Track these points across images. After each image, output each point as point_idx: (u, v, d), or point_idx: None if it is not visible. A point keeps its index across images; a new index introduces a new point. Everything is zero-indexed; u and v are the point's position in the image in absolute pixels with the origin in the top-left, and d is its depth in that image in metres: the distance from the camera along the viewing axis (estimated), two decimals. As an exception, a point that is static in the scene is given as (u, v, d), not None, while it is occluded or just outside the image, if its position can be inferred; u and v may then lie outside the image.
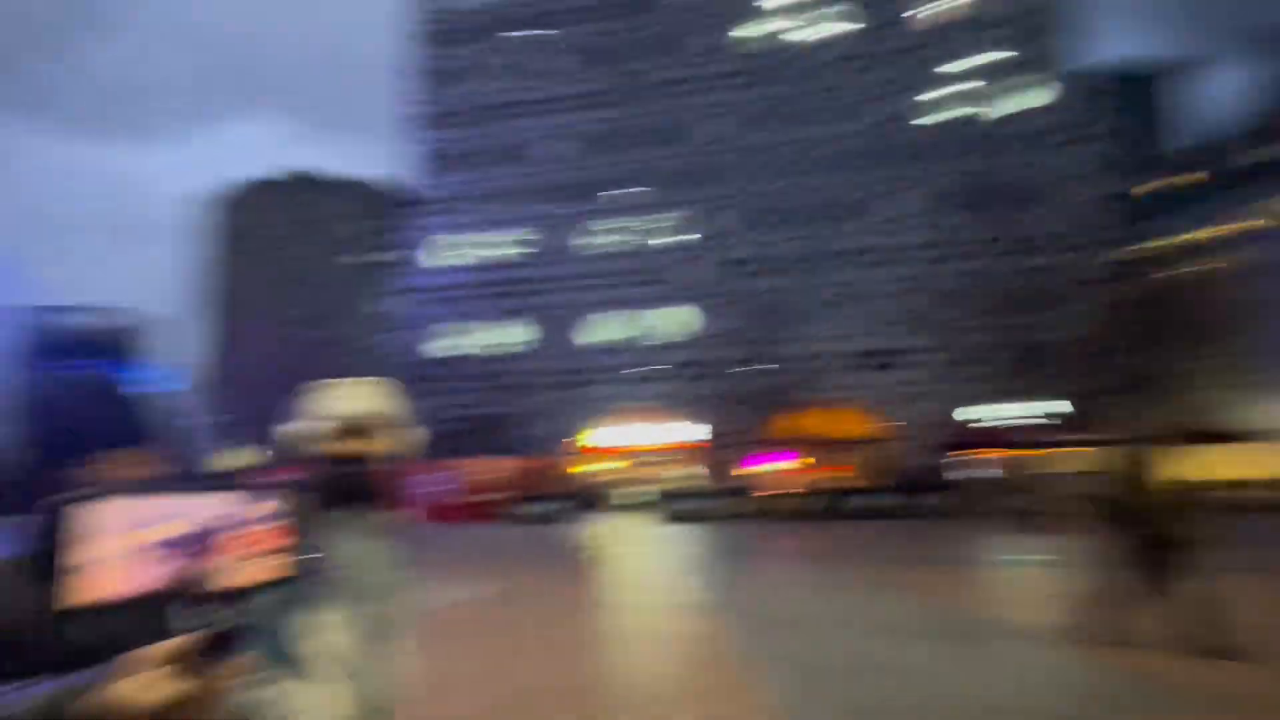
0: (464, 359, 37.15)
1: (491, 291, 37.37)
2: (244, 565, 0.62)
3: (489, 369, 35.42)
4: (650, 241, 35.88)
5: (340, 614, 1.59)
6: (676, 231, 35.70)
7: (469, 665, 5.78)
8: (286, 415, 1.70)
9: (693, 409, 33.08)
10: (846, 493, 22.83)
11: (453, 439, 35.91)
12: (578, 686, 5.26)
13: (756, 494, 24.09)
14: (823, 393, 31.37)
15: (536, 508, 24.44)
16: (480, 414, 35.39)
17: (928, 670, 5.42)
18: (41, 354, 58.44)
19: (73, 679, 0.63)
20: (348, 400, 1.70)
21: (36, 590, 0.76)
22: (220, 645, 0.62)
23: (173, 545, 0.59)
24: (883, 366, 32.11)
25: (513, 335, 36.96)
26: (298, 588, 1.29)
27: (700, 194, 35.16)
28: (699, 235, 35.08)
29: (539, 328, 36.52)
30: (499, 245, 38.04)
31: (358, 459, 1.64)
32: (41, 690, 0.64)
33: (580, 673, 5.65)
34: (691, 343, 34.33)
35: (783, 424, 31.61)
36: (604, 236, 36.46)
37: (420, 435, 1.79)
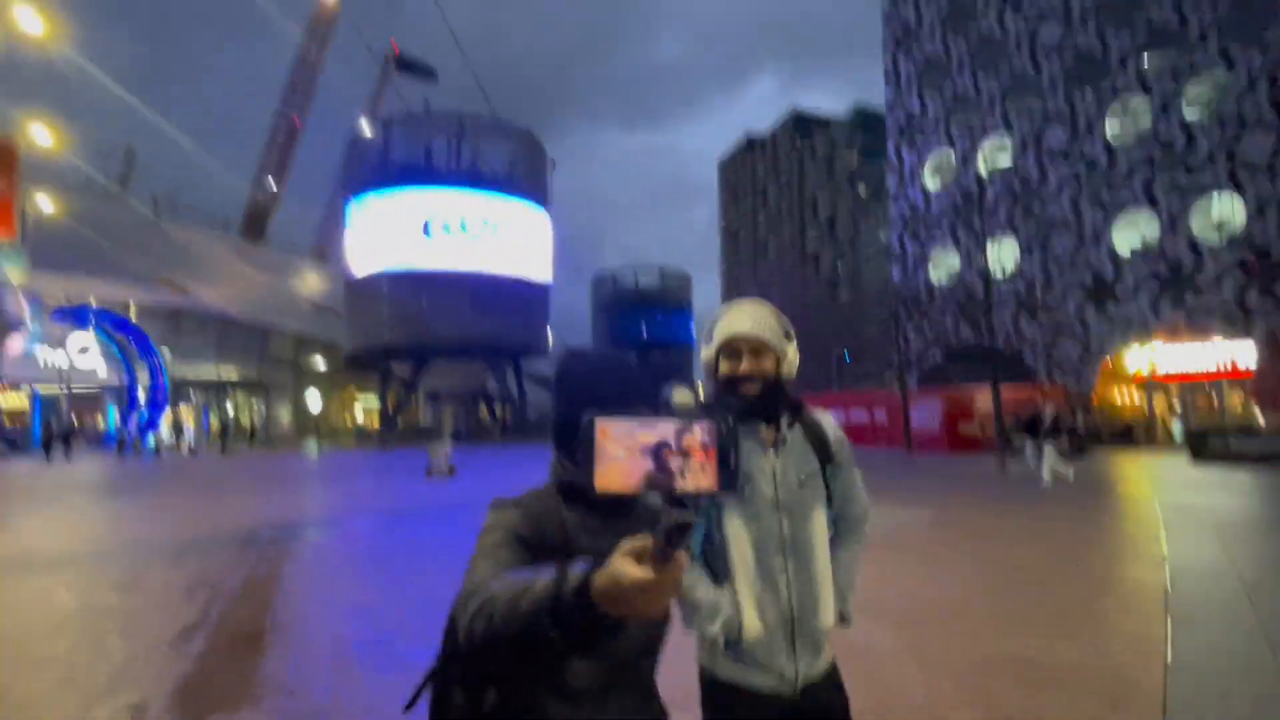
0: (958, 282, 35.23)
1: (986, 207, 34.53)
2: (689, 474, 0.81)
3: (984, 291, 33.05)
4: (1182, 119, 28.57)
5: (742, 526, 1.67)
6: (1215, 102, 27.70)
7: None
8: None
9: (1242, 325, 25.99)
10: None
11: (942, 367, 34.96)
12: (950, 608, 5.43)
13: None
14: None
15: (1029, 440, 22.64)
16: (972, 340, 33.65)
17: None
18: (615, 308, 75.08)
19: (580, 561, 0.91)
20: (727, 323, 1.74)
21: (566, 504, 1.23)
22: (674, 539, 0.80)
23: (647, 452, 0.81)
24: None
25: (1010, 252, 33.67)
26: (719, 499, 1.69)
27: (1250, 46, 26.61)
28: (1248, 100, 26.69)
29: (1039, 241, 32.48)
30: (991, 154, 34.66)
31: (740, 378, 1.70)
32: (552, 570, 0.92)
33: (950, 599, 5.75)
34: (1244, 240, 26.66)
35: None
36: (1114, 123, 30.41)
37: (796, 355, 1.78)
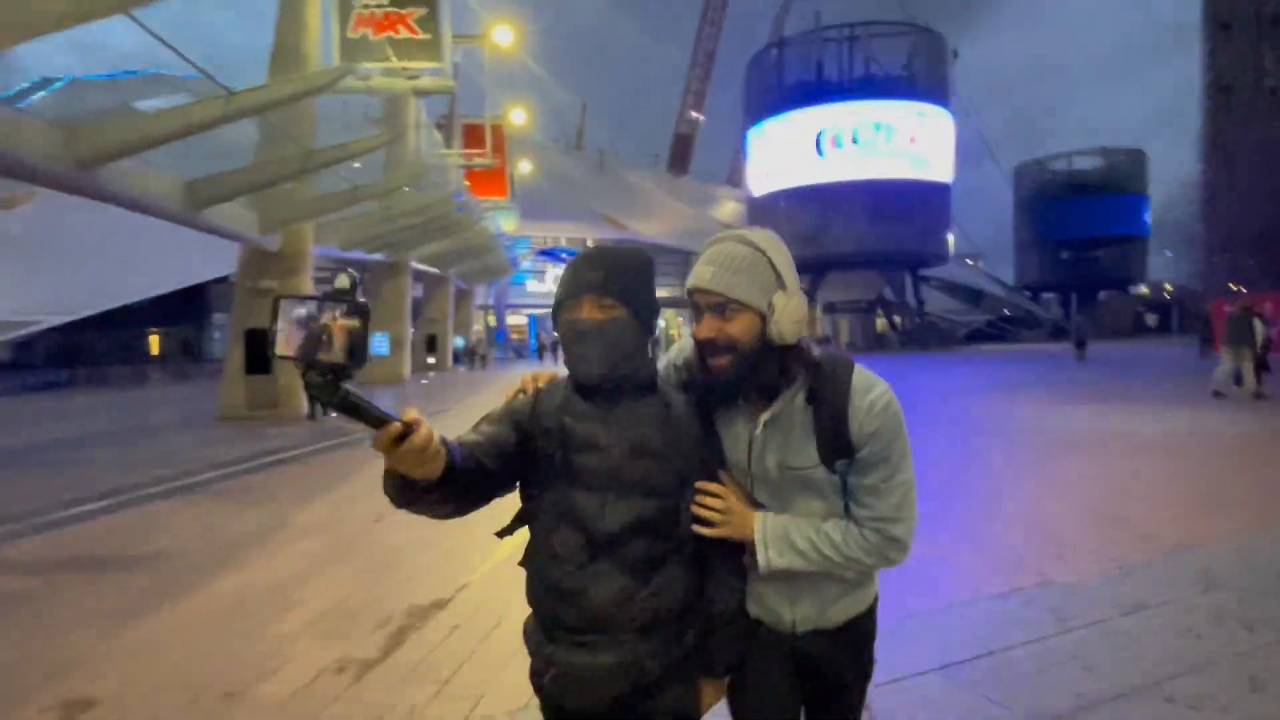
0: None
1: None
2: (327, 349, 1.00)
3: None
4: None
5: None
6: None
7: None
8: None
9: None
10: None
11: None
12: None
13: None
14: None
15: None
16: None
17: None
18: (1043, 200, 67.48)
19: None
20: (700, 268, 1.37)
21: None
22: (321, 401, 1.02)
23: (301, 326, 1.01)
24: None
25: None
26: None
27: None
28: None
29: None
30: None
31: (705, 345, 1.36)
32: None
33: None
34: None
35: None
36: None
37: (796, 304, 1.33)
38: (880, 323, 46.79)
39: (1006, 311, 60.51)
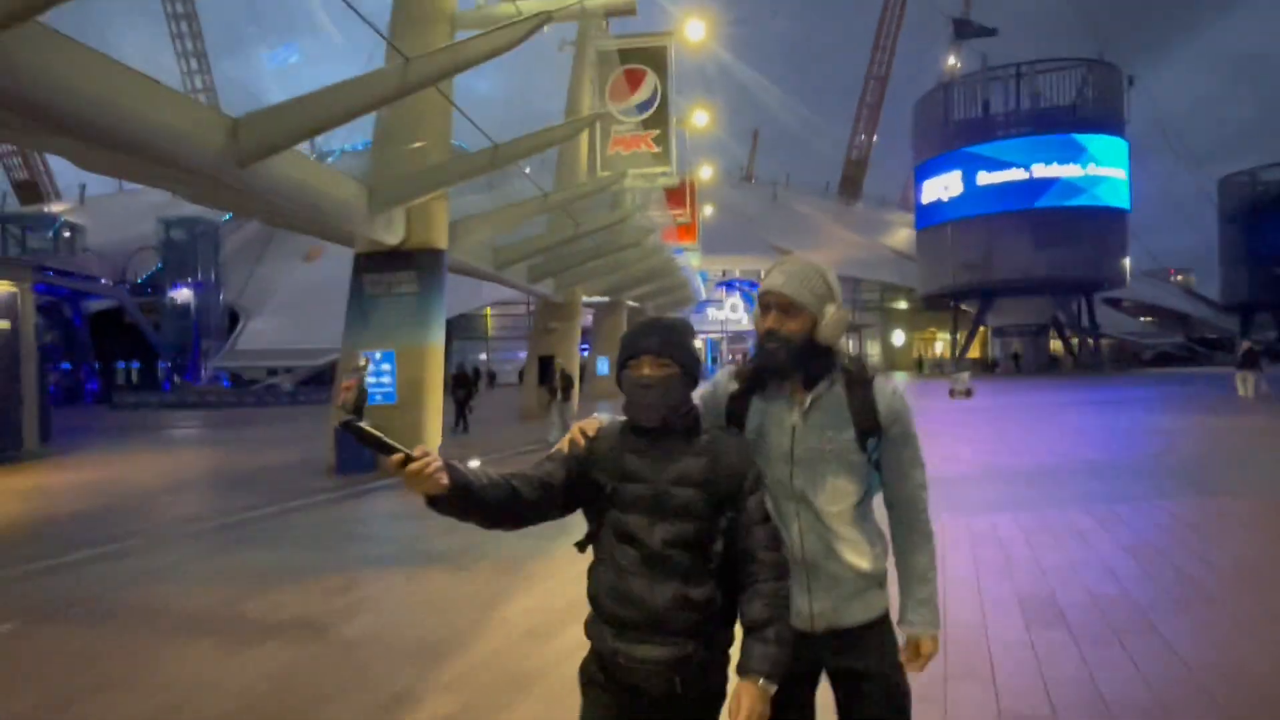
0: None
1: None
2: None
3: None
4: None
5: (764, 470, 1.78)
6: None
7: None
8: None
9: None
10: None
11: None
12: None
13: None
14: None
15: None
16: None
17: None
18: (1252, 215, 64.84)
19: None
20: (765, 278, 1.81)
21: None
22: (354, 437, 1.45)
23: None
24: None
25: None
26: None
27: None
28: None
29: None
30: None
31: (773, 335, 1.75)
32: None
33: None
34: None
35: None
36: None
37: (841, 315, 1.78)
38: (1054, 345, 49.25)
39: (1207, 333, 59.81)
